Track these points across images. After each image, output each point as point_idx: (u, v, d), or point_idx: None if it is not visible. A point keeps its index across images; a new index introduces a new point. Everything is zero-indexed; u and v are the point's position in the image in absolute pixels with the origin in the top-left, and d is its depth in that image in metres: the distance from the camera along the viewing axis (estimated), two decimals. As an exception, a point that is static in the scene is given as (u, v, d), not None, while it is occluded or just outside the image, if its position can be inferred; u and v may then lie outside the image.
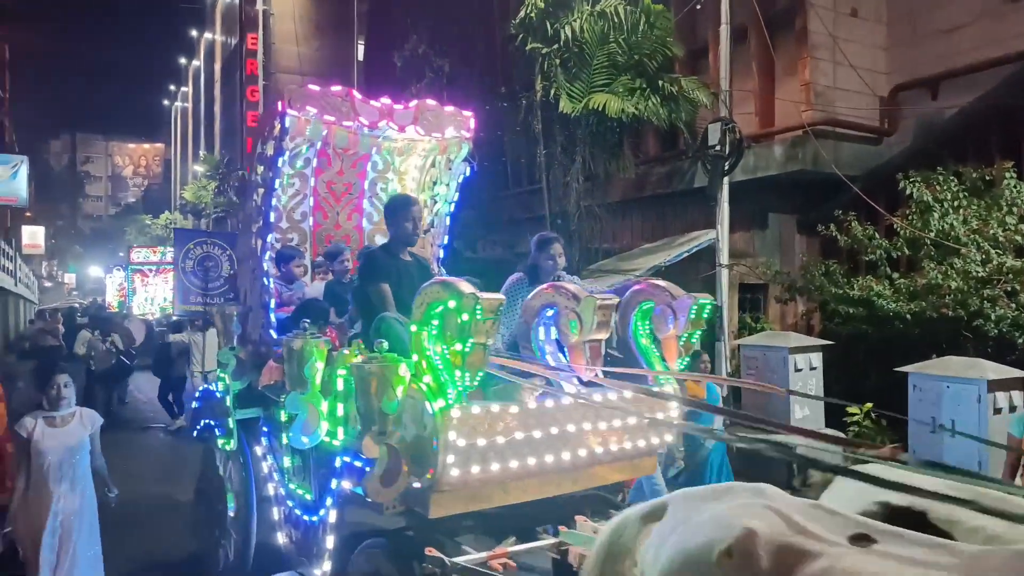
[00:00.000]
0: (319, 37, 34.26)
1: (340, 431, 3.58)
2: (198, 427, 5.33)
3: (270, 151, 4.48)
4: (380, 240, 5.79)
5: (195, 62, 55.96)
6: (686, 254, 10.08)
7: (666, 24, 10.37)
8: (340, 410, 3.57)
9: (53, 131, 74.30)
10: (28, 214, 39.97)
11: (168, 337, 11.31)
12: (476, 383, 3.09)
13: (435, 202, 5.49)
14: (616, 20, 10.14)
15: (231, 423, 4.71)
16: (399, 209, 4.25)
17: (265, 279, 4.49)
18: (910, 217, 8.29)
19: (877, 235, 8.70)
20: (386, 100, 4.63)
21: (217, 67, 47.10)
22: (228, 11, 43.41)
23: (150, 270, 22.62)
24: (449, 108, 5.00)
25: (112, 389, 11.89)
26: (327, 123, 4.47)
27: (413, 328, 3.12)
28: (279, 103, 4.35)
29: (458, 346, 2.99)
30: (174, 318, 12.75)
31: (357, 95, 4.52)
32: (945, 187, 8.06)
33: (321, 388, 3.63)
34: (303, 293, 5.21)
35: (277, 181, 4.54)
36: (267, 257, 4.54)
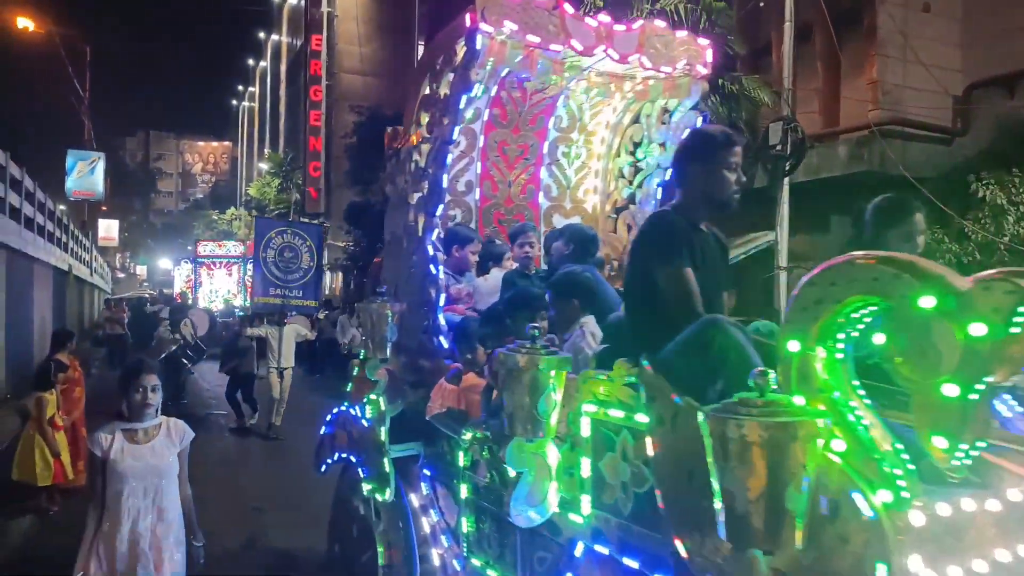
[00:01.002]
0: (381, 38, 34.91)
1: (585, 502, 2.35)
2: (328, 460, 4.04)
3: (446, 88, 3.28)
4: (559, 222, 4.50)
5: (262, 63, 57.76)
6: (743, 255, 9.89)
7: (727, 22, 10.21)
8: (585, 468, 2.35)
9: (128, 129, 77.81)
10: (104, 208, 41.94)
11: (246, 330, 10.70)
12: (972, 459, 1.59)
13: (637, 169, 4.19)
14: (676, 19, 10.02)
15: (386, 465, 3.39)
16: (717, 148, 2.51)
17: (432, 267, 3.32)
18: (983, 221, 7.95)
19: (947, 239, 8.36)
20: (604, 17, 3.50)
21: (283, 68, 48.49)
22: (294, 13, 44.64)
23: (215, 263, 23.53)
24: (681, 33, 3.80)
25: (179, 378, 11.65)
26: (529, 47, 3.24)
27: (793, 347, 1.69)
28: (467, 16, 3.13)
29: (950, 388, 1.51)
30: (242, 311, 12.29)
31: (568, 8, 3.35)
32: (1021, 189, 7.70)
33: (555, 433, 2.41)
34: (473, 287, 4.04)
35: (456, 130, 3.30)
36: (434, 236, 3.35)
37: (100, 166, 30.70)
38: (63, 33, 28.26)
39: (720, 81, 10.07)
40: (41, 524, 6.21)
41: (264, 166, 42.02)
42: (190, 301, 20.93)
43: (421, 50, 32.94)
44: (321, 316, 14.63)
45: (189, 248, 30.07)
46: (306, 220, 23.57)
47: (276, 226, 11.22)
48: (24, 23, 25.95)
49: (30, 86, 35.93)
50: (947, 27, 10.62)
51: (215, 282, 22.96)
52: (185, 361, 11.62)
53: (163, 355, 11.20)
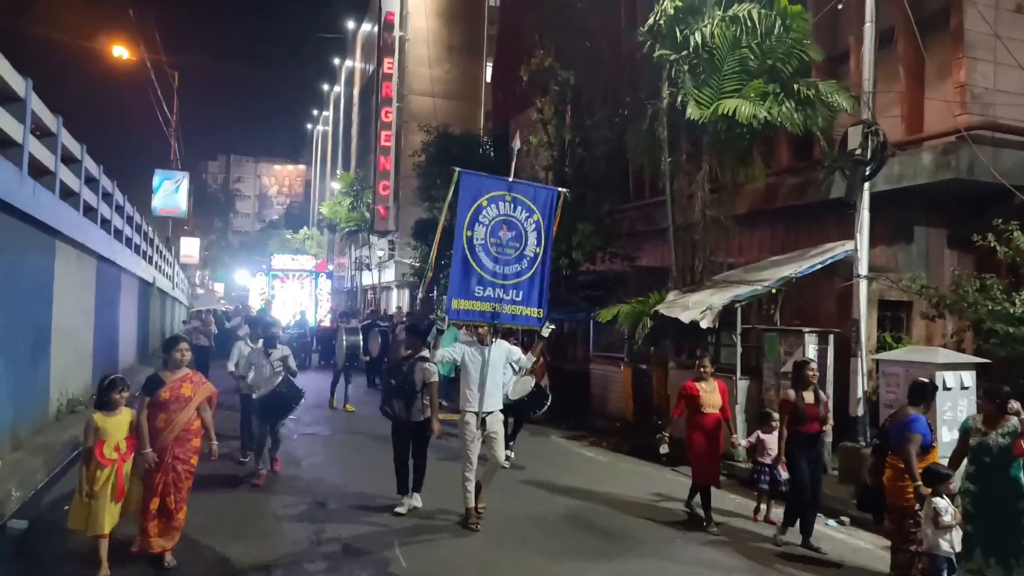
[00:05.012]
0: (450, 59, 35.68)
1: None
2: None
3: None
4: None
5: (336, 88, 59.83)
6: (820, 266, 9.50)
7: (803, 26, 9.93)
8: None
9: (211, 153, 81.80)
10: (186, 227, 43.96)
11: (431, 356, 6.59)
12: None
13: None
14: (749, 24, 9.82)
15: None
16: None
17: None
18: (1085, 228, 7.41)
19: (1044, 249, 7.84)
20: None
21: (356, 91, 50.06)
22: (367, 40, 46.09)
23: (288, 275, 24.40)
24: None
25: (276, 422, 8.13)
26: None
27: None
28: None
29: None
30: (441, 324, 6.29)
31: None
32: None
33: None
34: None
35: None
36: None
37: (184, 185, 32.23)
38: (154, 60, 29.96)
39: (796, 86, 9.77)
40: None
41: (336, 186, 43.27)
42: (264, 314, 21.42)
43: (488, 70, 33.46)
44: (548, 331, 7.00)
45: (264, 266, 31.16)
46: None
47: (492, 187, 6.64)
48: (119, 52, 27.62)
49: (123, 109, 38.17)
50: (1042, 27, 10.06)
51: (287, 293, 23.74)
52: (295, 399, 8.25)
53: (274, 390, 7.92)
